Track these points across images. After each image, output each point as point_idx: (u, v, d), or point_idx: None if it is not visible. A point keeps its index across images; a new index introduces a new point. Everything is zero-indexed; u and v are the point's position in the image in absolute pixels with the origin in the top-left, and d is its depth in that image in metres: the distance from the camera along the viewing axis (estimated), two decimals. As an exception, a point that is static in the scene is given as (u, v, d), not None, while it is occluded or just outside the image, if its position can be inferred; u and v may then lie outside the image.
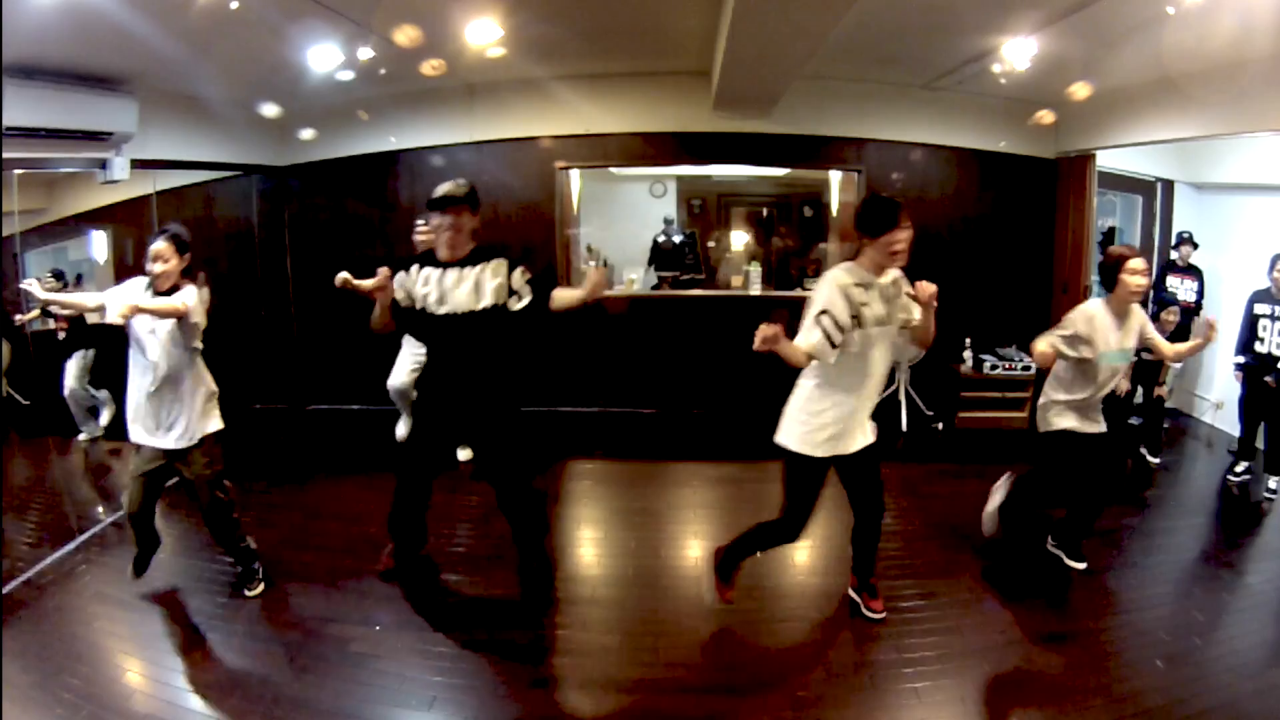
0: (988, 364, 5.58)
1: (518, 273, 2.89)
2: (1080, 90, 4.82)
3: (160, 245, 2.83)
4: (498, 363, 2.93)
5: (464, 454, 4.02)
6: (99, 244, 5.26)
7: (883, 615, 2.98)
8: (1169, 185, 6.06)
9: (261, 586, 3.20)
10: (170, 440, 2.93)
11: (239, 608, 3.10)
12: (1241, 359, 4.39)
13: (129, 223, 4.99)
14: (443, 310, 2.83)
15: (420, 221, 3.91)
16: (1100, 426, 3.18)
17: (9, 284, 4.36)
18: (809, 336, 2.51)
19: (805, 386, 2.70)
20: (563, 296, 2.95)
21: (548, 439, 5.46)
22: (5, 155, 3.57)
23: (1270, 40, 3.49)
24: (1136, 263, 3.01)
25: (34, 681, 2.57)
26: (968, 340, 5.69)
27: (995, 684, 2.59)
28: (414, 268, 2.90)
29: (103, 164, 4.32)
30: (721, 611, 3.05)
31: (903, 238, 2.53)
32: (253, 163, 5.73)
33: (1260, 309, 4.29)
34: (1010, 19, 3.84)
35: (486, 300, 2.83)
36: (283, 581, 3.30)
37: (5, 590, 3.15)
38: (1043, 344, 3.09)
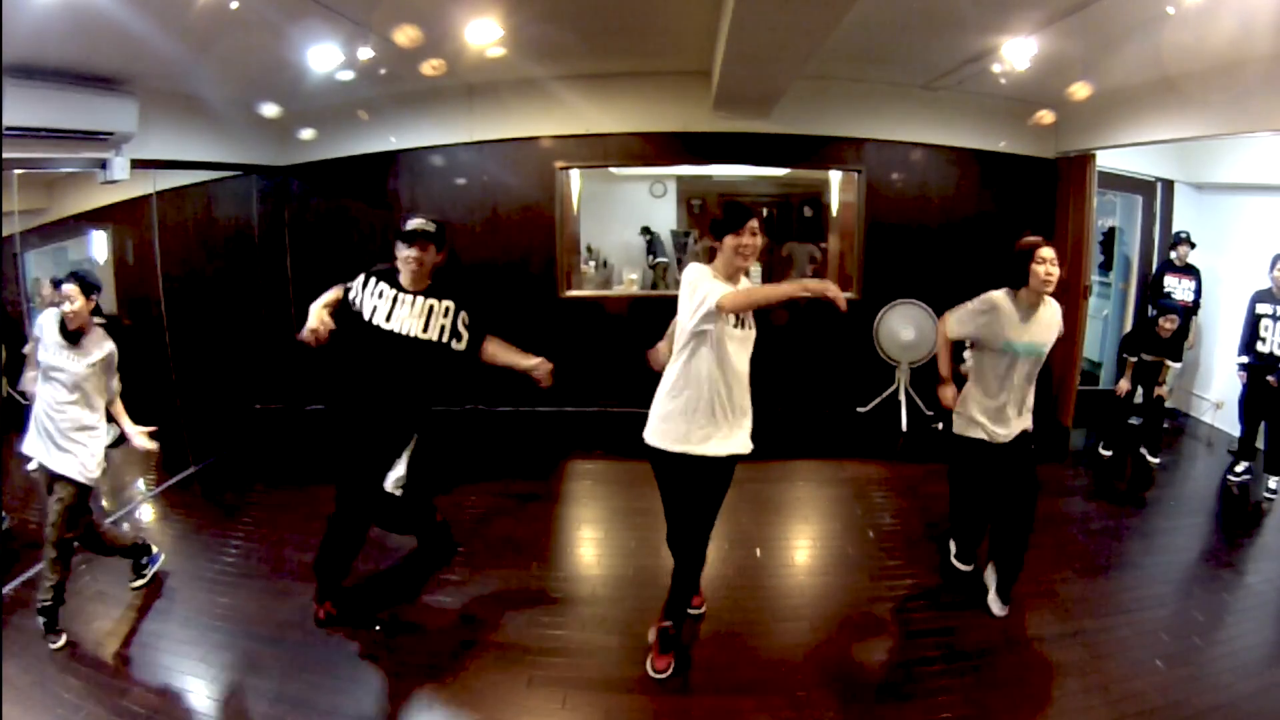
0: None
1: (463, 316, 2.97)
2: (1080, 90, 4.83)
3: (68, 287, 2.94)
4: (422, 390, 3.02)
5: None
6: (99, 244, 5.27)
7: (701, 610, 3.04)
8: (1169, 185, 6.06)
9: (145, 580, 3.25)
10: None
11: (240, 608, 3.10)
12: (1244, 359, 4.39)
13: (129, 223, 5.00)
14: (387, 326, 2.90)
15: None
16: (1009, 432, 3.01)
17: (9, 284, 4.37)
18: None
19: (662, 384, 2.65)
20: (500, 354, 3.03)
21: (549, 439, 5.47)
22: (5, 155, 3.58)
23: (1270, 40, 3.49)
24: (1047, 251, 2.91)
25: (34, 681, 2.57)
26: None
27: (995, 684, 2.59)
28: (372, 280, 2.97)
29: (103, 164, 4.32)
30: (721, 611, 3.07)
31: (748, 241, 2.54)
32: (253, 163, 5.73)
33: (1262, 309, 4.30)
34: (1010, 19, 3.84)
35: (431, 334, 2.92)
36: (283, 581, 3.31)
37: (5, 590, 3.16)
38: (950, 319, 3.03)
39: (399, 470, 3.01)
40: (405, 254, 2.91)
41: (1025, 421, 3.06)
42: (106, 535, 3.22)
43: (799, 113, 5.50)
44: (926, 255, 5.83)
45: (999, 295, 3.01)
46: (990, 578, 3.15)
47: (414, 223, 2.93)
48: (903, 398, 5.69)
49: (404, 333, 2.90)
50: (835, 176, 6.76)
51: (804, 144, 5.77)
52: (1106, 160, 5.49)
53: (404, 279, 2.96)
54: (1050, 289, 2.97)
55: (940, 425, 5.53)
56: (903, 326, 5.66)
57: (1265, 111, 3.73)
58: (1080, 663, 2.69)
